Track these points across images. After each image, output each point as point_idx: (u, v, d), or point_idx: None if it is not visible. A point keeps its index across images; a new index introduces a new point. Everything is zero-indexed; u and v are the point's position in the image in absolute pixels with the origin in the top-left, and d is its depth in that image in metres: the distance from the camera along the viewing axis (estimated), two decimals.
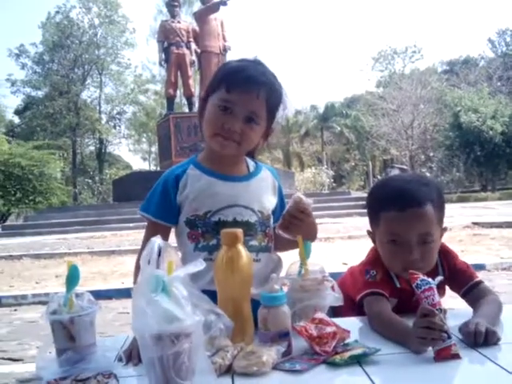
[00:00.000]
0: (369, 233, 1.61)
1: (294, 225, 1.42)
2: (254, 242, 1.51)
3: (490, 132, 28.53)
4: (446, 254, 1.58)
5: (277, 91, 1.52)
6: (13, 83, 37.08)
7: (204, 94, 1.56)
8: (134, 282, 1.45)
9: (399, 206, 1.44)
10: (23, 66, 37.27)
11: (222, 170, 1.53)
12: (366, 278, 1.51)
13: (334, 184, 28.37)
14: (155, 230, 1.49)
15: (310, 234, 1.47)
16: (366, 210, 1.65)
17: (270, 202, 1.60)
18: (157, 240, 1.05)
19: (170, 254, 1.07)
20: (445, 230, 1.53)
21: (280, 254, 1.64)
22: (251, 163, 1.63)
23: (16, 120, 40.18)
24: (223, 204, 1.49)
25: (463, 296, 1.53)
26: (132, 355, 1.22)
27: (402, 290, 1.51)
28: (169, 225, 1.54)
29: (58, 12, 36.59)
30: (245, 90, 1.44)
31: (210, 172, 1.52)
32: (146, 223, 1.58)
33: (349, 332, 1.23)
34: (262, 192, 1.57)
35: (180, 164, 1.57)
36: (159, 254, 1.04)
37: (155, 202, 1.52)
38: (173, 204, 1.51)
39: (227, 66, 1.55)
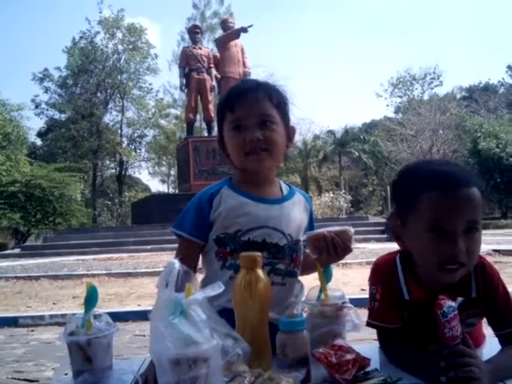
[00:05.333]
0: (393, 228, 1.34)
1: (320, 246, 1.40)
2: (281, 266, 1.50)
3: (511, 159, 28.24)
4: (483, 269, 1.32)
5: (275, 90, 1.55)
6: (37, 105, 37.90)
7: (218, 129, 1.61)
8: None
9: (446, 186, 1.19)
10: (46, 90, 38.10)
11: (255, 192, 1.54)
12: (369, 299, 1.40)
13: (351, 209, 28.28)
14: (188, 247, 1.51)
15: (322, 263, 1.44)
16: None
17: (302, 226, 1.59)
18: (175, 263, 1.05)
19: (189, 277, 1.07)
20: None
21: (300, 278, 1.62)
22: (285, 187, 1.64)
23: (38, 142, 40.94)
24: (254, 224, 1.49)
25: (498, 336, 1.33)
26: (148, 380, 1.20)
27: (412, 302, 1.33)
28: (202, 242, 1.53)
29: (82, 37, 37.52)
30: (245, 100, 1.50)
31: (243, 193, 1.53)
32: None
33: (369, 360, 1.20)
34: (293, 216, 1.56)
35: (214, 184, 1.59)
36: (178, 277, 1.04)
37: (189, 219, 1.52)
38: (206, 222, 1.51)
39: (223, 95, 1.62)
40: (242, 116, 1.49)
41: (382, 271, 1.40)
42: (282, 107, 1.55)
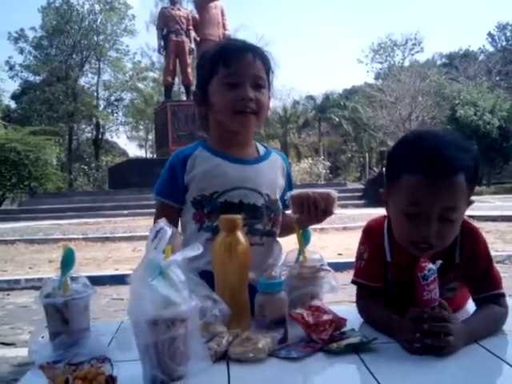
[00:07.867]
0: (381, 194, 1.37)
1: (302, 206, 1.40)
2: (259, 226, 1.50)
3: (487, 126, 28.56)
4: (470, 236, 1.34)
5: (267, 56, 1.55)
6: (11, 67, 36.83)
7: (199, 85, 1.55)
8: None
9: (428, 172, 1.19)
10: (21, 51, 36.99)
11: (232, 153, 1.52)
12: (356, 258, 1.43)
13: (330, 175, 28.42)
14: (165, 211, 1.50)
15: (301, 224, 1.44)
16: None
17: (279, 186, 1.59)
18: (166, 226, 1.02)
19: (175, 237, 1.06)
20: (471, 202, 1.30)
21: (279, 239, 1.62)
22: (261, 148, 1.63)
23: (13, 105, 39.90)
24: (230, 186, 1.48)
25: (474, 300, 1.35)
26: None
27: (394, 264, 1.36)
28: (177, 205, 1.53)
29: None
30: (242, 57, 1.47)
31: (218, 153, 1.52)
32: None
33: (345, 320, 1.22)
34: (270, 175, 1.56)
35: (188, 146, 1.57)
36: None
37: (163, 183, 1.53)
38: (180, 184, 1.50)
39: (213, 50, 1.54)
40: (238, 72, 1.46)
41: (371, 232, 1.42)
42: (269, 70, 1.55)
